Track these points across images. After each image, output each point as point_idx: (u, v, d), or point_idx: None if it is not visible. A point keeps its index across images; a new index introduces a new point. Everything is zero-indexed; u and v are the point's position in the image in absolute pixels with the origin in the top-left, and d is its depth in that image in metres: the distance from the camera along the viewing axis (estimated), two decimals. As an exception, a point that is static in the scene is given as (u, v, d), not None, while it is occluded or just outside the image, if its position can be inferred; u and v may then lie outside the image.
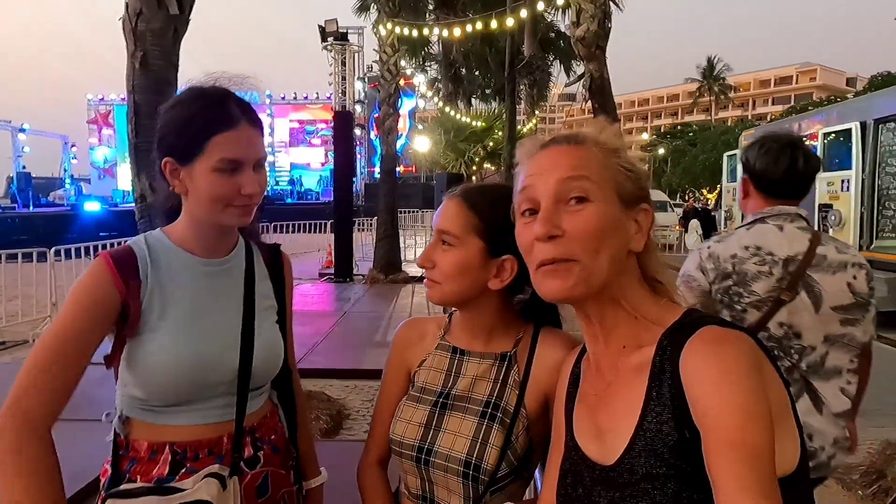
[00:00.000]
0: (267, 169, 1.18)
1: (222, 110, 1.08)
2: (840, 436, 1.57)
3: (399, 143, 16.05)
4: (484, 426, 1.01)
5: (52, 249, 7.11)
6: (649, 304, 0.83)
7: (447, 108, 22.44)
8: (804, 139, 1.74)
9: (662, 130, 66.40)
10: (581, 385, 0.90)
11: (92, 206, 22.80)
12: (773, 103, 73.56)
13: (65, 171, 37.44)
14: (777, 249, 1.57)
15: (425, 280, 1.09)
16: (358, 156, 29.95)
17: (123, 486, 1.07)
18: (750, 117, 64.14)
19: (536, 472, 1.09)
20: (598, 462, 0.80)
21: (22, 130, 34.49)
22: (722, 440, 0.65)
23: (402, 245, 11.70)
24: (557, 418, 0.93)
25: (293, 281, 1.33)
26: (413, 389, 1.12)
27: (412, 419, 1.07)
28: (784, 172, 1.60)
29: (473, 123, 24.48)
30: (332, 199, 13.03)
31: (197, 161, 1.07)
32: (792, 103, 55.22)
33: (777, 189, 1.62)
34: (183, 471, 1.08)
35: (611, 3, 8.83)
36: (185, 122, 1.09)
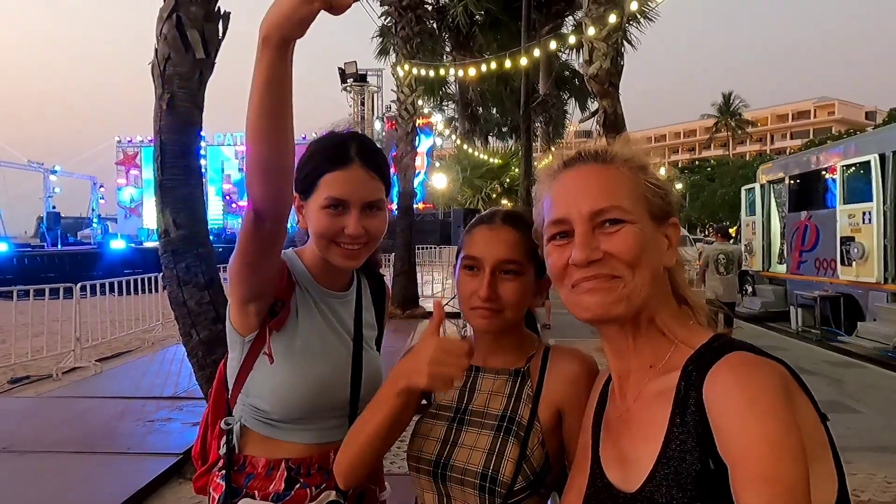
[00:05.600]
0: (387, 213, 1.21)
1: (338, 151, 1.15)
2: None
3: (417, 181, 16.29)
4: (500, 440, 1.02)
5: (78, 285, 7.27)
6: (678, 323, 0.82)
7: (464, 146, 22.76)
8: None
9: (680, 166, 66.39)
10: (606, 408, 0.89)
11: (117, 245, 23.35)
12: (791, 138, 73.22)
13: (93, 210, 38.49)
14: None
15: (479, 310, 1.03)
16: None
17: (244, 500, 1.12)
18: (768, 152, 63.92)
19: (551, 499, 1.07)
20: (621, 489, 0.77)
21: (53, 172, 35.66)
22: (751, 475, 0.61)
23: (419, 280, 11.73)
24: (583, 440, 0.91)
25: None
26: (431, 407, 1.13)
27: (430, 435, 1.08)
28: None
29: (490, 160, 24.75)
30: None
31: (311, 197, 1.15)
32: (811, 137, 54.95)
33: None
34: (297, 486, 1.15)
35: (624, 42, 8.99)
36: (306, 161, 1.17)
